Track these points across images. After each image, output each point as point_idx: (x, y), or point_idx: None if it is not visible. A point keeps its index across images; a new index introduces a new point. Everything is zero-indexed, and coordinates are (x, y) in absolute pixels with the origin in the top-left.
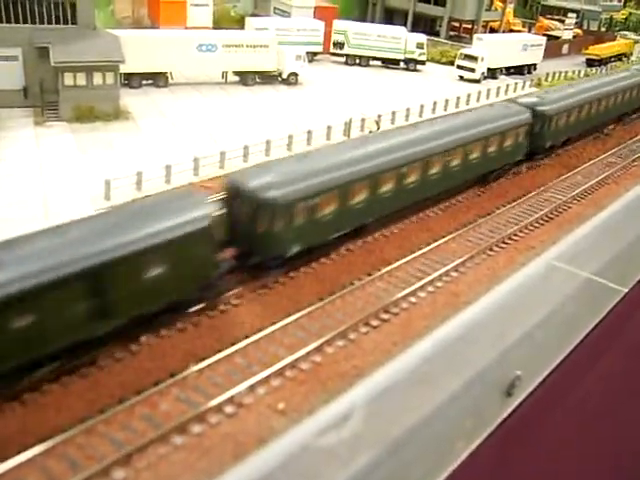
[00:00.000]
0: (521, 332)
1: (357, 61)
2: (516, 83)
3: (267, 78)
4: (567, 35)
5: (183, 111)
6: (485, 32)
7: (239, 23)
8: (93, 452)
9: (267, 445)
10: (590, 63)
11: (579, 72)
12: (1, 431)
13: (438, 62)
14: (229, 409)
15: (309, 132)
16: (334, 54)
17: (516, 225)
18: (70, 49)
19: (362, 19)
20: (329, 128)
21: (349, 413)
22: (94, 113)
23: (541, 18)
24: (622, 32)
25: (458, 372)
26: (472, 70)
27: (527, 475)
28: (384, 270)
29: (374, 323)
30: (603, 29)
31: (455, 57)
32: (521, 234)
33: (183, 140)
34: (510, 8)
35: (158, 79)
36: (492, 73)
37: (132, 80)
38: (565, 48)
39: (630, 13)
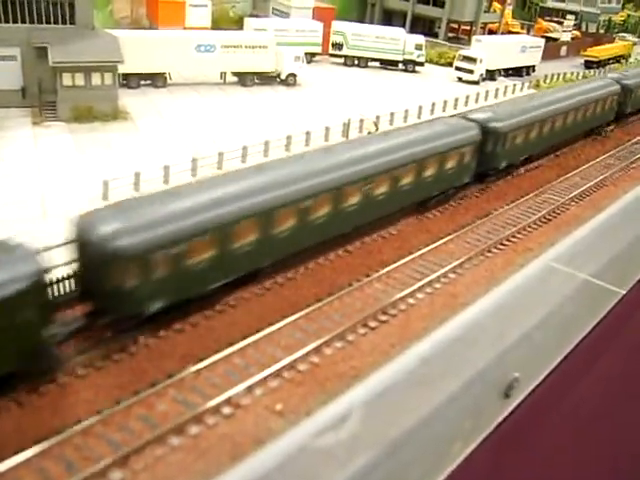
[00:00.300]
0: (519, 334)
1: (356, 62)
2: (514, 85)
3: (266, 79)
4: (565, 37)
5: (181, 111)
6: (484, 34)
7: (238, 24)
8: (90, 453)
9: (265, 446)
10: (588, 65)
11: (577, 74)
12: None
13: (437, 63)
14: (226, 410)
15: (307, 133)
16: (333, 55)
17: (514, 227)
18: (68, 49)
19: (361, 20)
20: (327, 129)
21: (347, 414)
22: (92, 113)
23: (540, 20)
24: (621, 34)
25: (456, 373)
26: (471, 72)
27: (525, 475)
28: (382, 271)
29: (372, 324)
30: (602, 31)
31: (454, 58)
32: (519, 236)
33: (181, 140)
34: (509, 10)
35: (156, 79)
36: (491, 75)
37: (130, 80)
38: (563, 50)
39: (629, 15)
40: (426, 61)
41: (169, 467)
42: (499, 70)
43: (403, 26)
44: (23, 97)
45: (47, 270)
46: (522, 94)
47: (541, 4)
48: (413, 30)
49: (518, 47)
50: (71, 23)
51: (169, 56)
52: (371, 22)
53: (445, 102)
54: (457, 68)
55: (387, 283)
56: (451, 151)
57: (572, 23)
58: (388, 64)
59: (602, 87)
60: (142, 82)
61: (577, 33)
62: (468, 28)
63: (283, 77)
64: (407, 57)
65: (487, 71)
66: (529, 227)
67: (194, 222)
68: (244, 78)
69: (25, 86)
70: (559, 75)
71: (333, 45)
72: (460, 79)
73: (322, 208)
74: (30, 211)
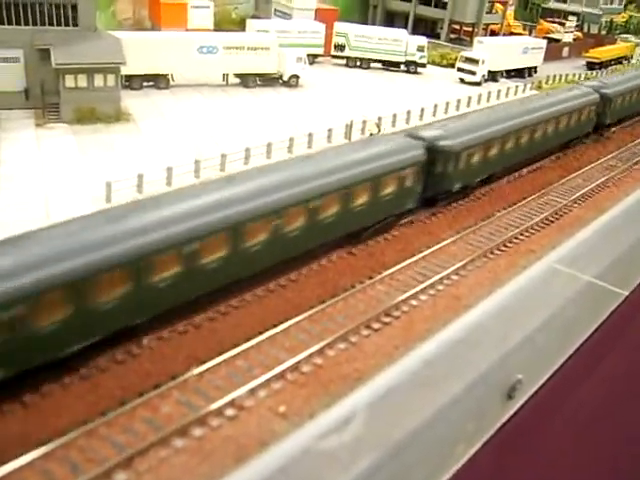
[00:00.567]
0: (522, 335)
1: (358, 63)
2: (517, 86)
3: (268, 80)
4: (567, 38)
5: (184, 113)
6: (486, 35)
7: (240, 25)
8: (94, 455)
9: (268, 448)
10: (590, 66)
11: (579, 75)
12: (1, 433)
13: (439, 65)
14: (230, 412)
15: (310, 134)
16: (335, 56)
17: (517, 228)
18: (71, 51)
19: (363, 21)
20: (330, 130)
21: (351, 416)
22: (95, 115)
23: (542, 21)
24: (622, 35)
25: (460, 375)
26: (473, 73)
27: (529, 477)
28: (385, 273)
29: (376, 326)
30: (603, 32)
31: (456, 60)
32: (522, 237)
33: (184, 142)
34: (510, 11)
35: (159, 81)
36: (493, 76)
37: (133, 82)
38: (565, 51)
39: (630, 16)
40: (428, 62)
41: (173, 469)
42: (501, 71)
43: (405, 27)
44: (26, 99)
45: None
46: (524, 95)
47: (543, 5)
48: (415, 31)
49: (520, 48)
50: (74, 25)
51: (171, 57)
52: (373, 23)
53: (447, 103)
54: (459, 69)
55: (390, 285)
56: (388, 175)
57: (574, 24)
58: (390, 65)
59: (578, 97)
60: (145, 84)
61: (579, 34)
62: (470, 29)
63: (285, 78)
64: (409, 58)
65: (489, 72)
66: (532, 229)
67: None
68: (246, 79)
69: (28, 88)
70: (561, 76)
71: (335, 46)
72: (462, 80)
73: (220, 250)
74: (33, 213)
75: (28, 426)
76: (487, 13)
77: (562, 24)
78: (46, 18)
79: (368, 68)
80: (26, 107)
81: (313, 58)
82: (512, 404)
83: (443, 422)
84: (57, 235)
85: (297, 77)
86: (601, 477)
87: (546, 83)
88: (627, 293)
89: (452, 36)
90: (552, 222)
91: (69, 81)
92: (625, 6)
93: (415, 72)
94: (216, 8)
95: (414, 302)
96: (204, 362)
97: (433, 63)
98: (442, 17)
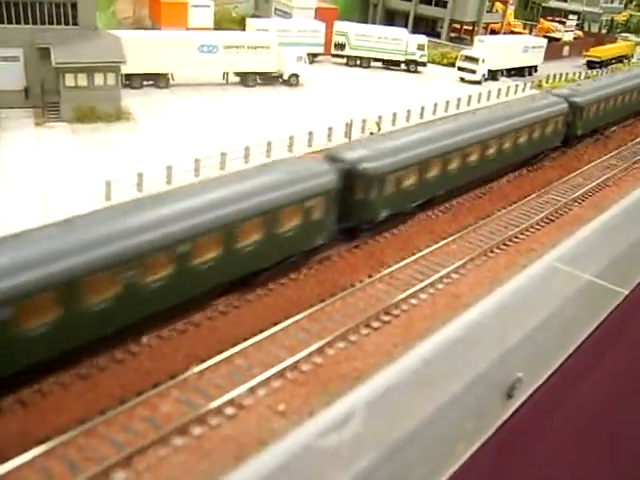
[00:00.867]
0: (522, 334)
1: (358, 62)
2: (517, 85)
3: (268, 79)
4: (568, 37)
5: (184, 112)
6: (486, 34)
7: (240, 24)
8: (93, 454)
9: (268, 447)
10: (591, 65)
11: (580, 74)
12: (1, 432)
13: (439, 63)
14: (230, 411)
15: (310, 133)
16: (335, 55)
17: (517, 227)
18: (71, 50)
19: (363, 20)
20: (330, 129)
21: (350, 415)
22: (95, 114)
23: (542, 20)
24: (623, 34)
25: (459, 374)
26: (473, 72)
27: (528, 476)
28: (385, 272)
29: (375, 325)
30: (604, 31)
31: (456, 59)
32: (522, 236)
33: (184, 141)
34: (511, 10)
35: (159, 80)
36: (493, 75)
37: (133, 81)
38: (566, 50)
39: (631, 15)
40: (428, 61)
41: (173, 468)
42: (501, 70)
43: (405, 26)
44: (26, 98)
45: None
46: (524, 94)
47: (543, 4)
48: (415, 30)
49: (520, 47)
50: (74, 24)
51: (172, 57)
52: (373, 22)
53: (448, 102)
54: (459, 68)
55: (390, 284)
56: (287, 207)
57: (574, 23)
58: (390, 64)
59: (543, 107)
60: (145, 83)
61: (579, 33)
62: (470, 28)
63: (285, 77)
64: (409, 57)
65: (489, 71)
66: (532, 228)
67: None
68: (246, 78)
69: (28, 87)
70: (561, 75)
71: (335, 45)
72: (462, 79)
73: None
74: (33, 212)
75: (27, 424)
76: (487, 12)
77: (562, 23)
78: (46, 17)
79: (368, 67)
80: (26, 106)
81: (313, 57)
82: (512, 403)
83: (443, 421)
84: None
85: (297, 76)
86: (601, 475)
87: (546, 82)
88: (627, 292)
89: (452, 35)
90: (552, 221)
91: (69, 80)
92: (625, 5)
93: (415, 71)
94: (216, 7)
95: (414, 301)
96: (204, 361)
97: (433, 62)
98: (442, 16)
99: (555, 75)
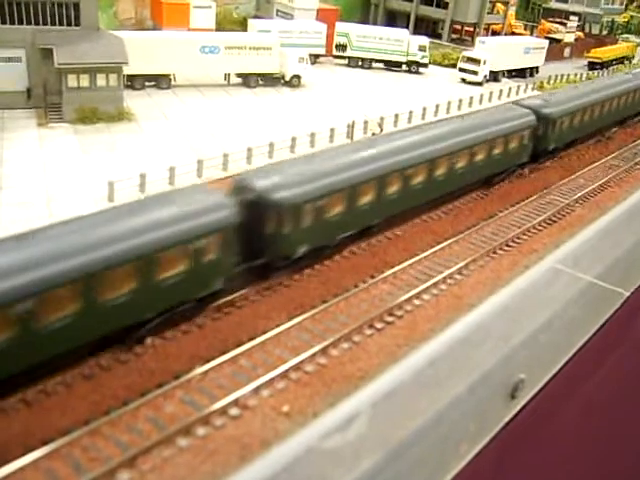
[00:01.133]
0: (525, 335)
1: (360, 63)
2: (518, 86)
3: (270, 80)
4: (569, 38)
5: (186, 113)
6: (487, 35)
7: (241, 25)
8: (98, 454)
9: (272, 448)
10: (592, 66)
11: (581, 75)
12: (5, 433)
13: (440, 65)
14: (234, 411)
15: (312, 134)
16: (337, 56)
17: (519, 228)
18: (74, 50)
19: (364, 21)
20: (332, 130)
21: (354, 415)
22: (97, 114)
23: (543, 21)
24: (624, 35)
25: (462, 375)
26: (474, 73)
27: (532, 476)
28: (388, 272)
29: (378, 325)
30: (605, 32)
31: (457, 60)
32: (524, 237)
33: (186, 142)
34: (512, 11)
35: (161, 81)
36: (494, 76)
37: (135, 82)
38: (567, 51)
39: (632, 16)
40: (430, 62)
41: (177, 468)
42: (503, 71)
43: (406, 27)
44: (28, 98)
45: None
46: (526, 95)
47: (544, 5)
48: (416, 31)
49: (522, 48)
50: (76, 25)
51: (173, 57)
52: (374, 23)
53: (449, 103)
54: (461, 69)
55: (393, 284)
56: (169, 249)
57: (575, 24)
58: (392, 65)
59: (507, 120)
60: (147, 83)
61: (580, 34)
62: (471, 29)
63: (287, 78)
64: (411, 58)
65: (491, 72)
66: (534, 228)
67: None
68: (248, 79)
69: (30, 87)
70: (562, 76)
71: (337, 46)
72: (464, 80)
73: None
74: (36, 212)
75: (32, 425)
76: (488, 13)
77: (563, 24)
78: (48, 18)
79: (370, 68)
80: (28, 107)
81: (315, 58)
82: (515, 404)
83: (446, 422)
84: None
85: (299, 77)
86: (607, 476)
87: (548, 83)
88: (629, 293)
89: (453, 36)
90: (554, 222)
91: (71, 81)
92: (626, 6)
93: (417, 72)
94: (217, 8)
95: (417, 301)
96: (208, 361)
97: (435, 63)
98: (443, 17)
99: (556, 76)
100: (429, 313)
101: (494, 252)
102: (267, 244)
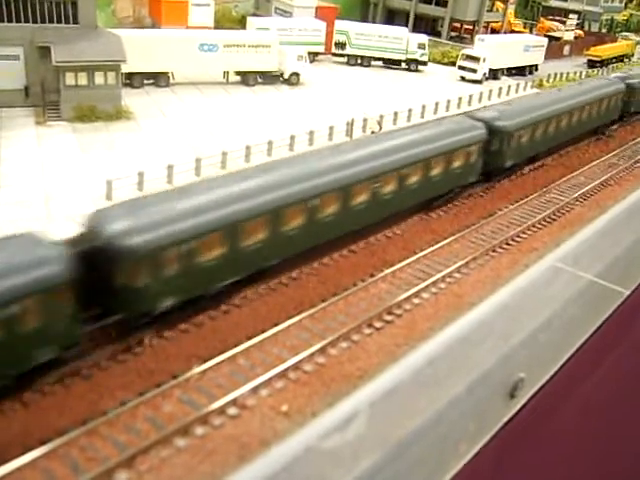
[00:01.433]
0: (525, 333)
1: (359, 61)
2: (518, 84)
3: (269, 78)
4: (568, 36)
5: (185, 111)
6: (486, 33)
7: (240, 23)
8: (95, 454)
9: (270, 447)
10: (591, 64)
11: (580, 73)
12: (3, 433)
13: (439, 63)
14: (232, 411)
15: (311, 132)
16: (336, 54)
17: (519, 226)
18: (72, 48)
19: (363, 19)
20: (331, 128)
21: (353, 415)
22: (95, 113)
23: (542, 19)
24: (623, 33)
25: (462, 374)
26: (474, 71)
27: (531, 476)
28: (387, 271)
29: (377, 325)
30: (604, 30)
31: (456, 58)
32: (524, 235)
33: (185, 140)
34: (511, 9)
35: (159, 79)
36: (494, 74)
37: (133, 80)
38: (566, 49)
39: (631, 14)
40: (429, 60)
41: (175, 468)
42: (502, 69)
43: (406, 25)
44: (26, 97)
45: None
46: (525, 93)
47: (544, 3)
48: (416, 29)
49: (521, 46)
50: (74, 23)
51: (172, 55)
52: (373, 21)
53: (448, 101)
54: (460, 67)
55: (392, 283)
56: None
57: (575, 22)
58: (391, 63)
59: (450, 134)
60: (145, 81)
61: (580, 32)
62: (471, 27)
63: (286, 76)
64: (410, 56)
65: (490, 70)
66: (534, 227)
67: None
68: (247, 77)
69: (28, 86)
70: (562, 74)
71: (336, 44)
72: (463, 78)
73: None
74: (34, 211)
75: (29, 425)
76: (488, 11)
77: (563, 22)
78: (46, 15)
79: (369, 66)
80: (26, 105)
81: (314, 56)
82: (514, 403)
83: (445, 421)
84: None
85: (298, 75)
86: (606, 476)
87: (547, 81)
88: (629, 292)
89: (453, 34)
90: (554, 220)
91: (69, 79)
92: (625, 4)
93: (416, 70)
94: (216, 6)
95: (416, 300)
96: (206, 360)
97: (434, 61)
98: (443, 15)
99: (556, 74)
100: (428, 312)
101: (494, 250)
102: (119, 299)
